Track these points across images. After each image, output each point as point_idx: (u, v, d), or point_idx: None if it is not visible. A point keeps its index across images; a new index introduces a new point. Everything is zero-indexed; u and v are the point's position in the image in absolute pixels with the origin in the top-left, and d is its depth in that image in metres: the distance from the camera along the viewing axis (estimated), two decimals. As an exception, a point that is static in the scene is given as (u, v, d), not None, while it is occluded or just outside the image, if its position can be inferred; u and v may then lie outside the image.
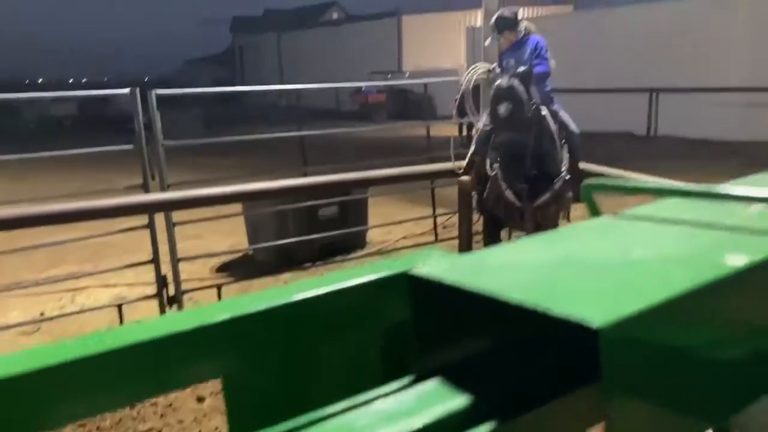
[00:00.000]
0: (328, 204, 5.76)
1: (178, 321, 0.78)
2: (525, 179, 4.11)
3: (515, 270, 0.83)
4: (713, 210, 1.06)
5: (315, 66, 36.32)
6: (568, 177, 4.28)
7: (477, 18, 6.63)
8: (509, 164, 3.82)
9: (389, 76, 26.63)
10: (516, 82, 3.86)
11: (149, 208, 4.10)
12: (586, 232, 1.06)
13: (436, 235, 6.28)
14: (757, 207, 1.11)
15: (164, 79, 59.31)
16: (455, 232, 5.97)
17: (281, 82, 37.70)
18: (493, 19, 4.82)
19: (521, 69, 4.16)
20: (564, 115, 4.65)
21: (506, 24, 4.71)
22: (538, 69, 4.46)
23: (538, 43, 4.67)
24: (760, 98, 13.68)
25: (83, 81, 74.77)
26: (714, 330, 0.82)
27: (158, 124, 4.34)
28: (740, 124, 13.85)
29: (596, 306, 0.67)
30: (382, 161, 5.53)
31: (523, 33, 4.80)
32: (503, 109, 3.80)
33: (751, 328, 0.88)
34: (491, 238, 4.96)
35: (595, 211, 1.23)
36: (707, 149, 12.94)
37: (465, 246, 5.82)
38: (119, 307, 4.46)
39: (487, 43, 4.87)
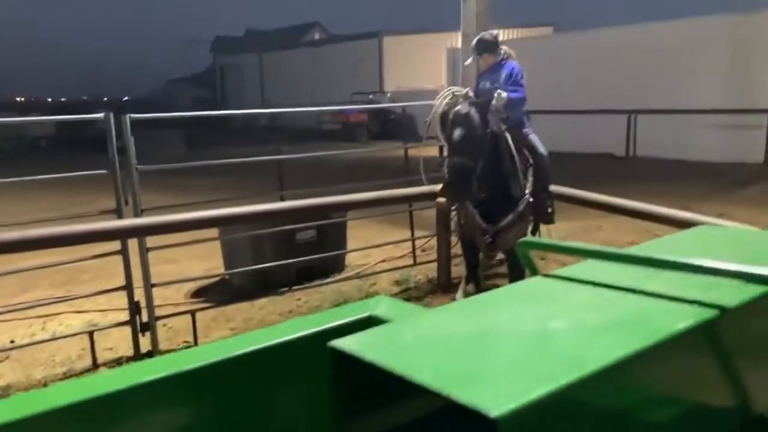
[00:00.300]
0: (305, 228, 5.72)
1: (110, 380, 0.75)
2: (476, 204, 4.24)
3: (433, 345, 0.83)
4: (639, 272, 1.09)
5: (296, 85, 36.42)
6: (531, 199, 4.39)
7: (457, 40, 6.69)
8: (457, 186, 3.97)
9: (371, 96, 26.76)
10: (473, 111, 3.99)
11: (121, 234, 4.02)
12: (513, 297, 1.09)
13: (415, 258, 6.25)
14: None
15: (145, 99, 59.09)
16: (435, 255, 5.96)
17: (262, 102, 37.74)
18: (475, 40, 4.89)
19: (479, 99, 4.31)
20: (533, 138, 4.74)
21: (486, 46, 4.79)
22: (513, 95, 4.54)
23: (513, 68, 4.74)
24: (736, 120, 13.93)
25: (62, 100, 74.17)
26: (625, 407, 0.82)
27: (132, 149, 4.28)
28: (716, 145, 14.08)
29: (499, 391, 0.67)
30: (360, 185, 5.50)
31: (501, 56, 4.87)
32: (457, 133, 3.94)
33: (665, 402, 0.89)
34: (468, 261, 4.96)
35: (532, 269, 1.26)
36: (684, 170, 13.11)
37: (443, 269, 5.80)
38: (90, 334, 4.36)
39: (467, 62, 4.92)
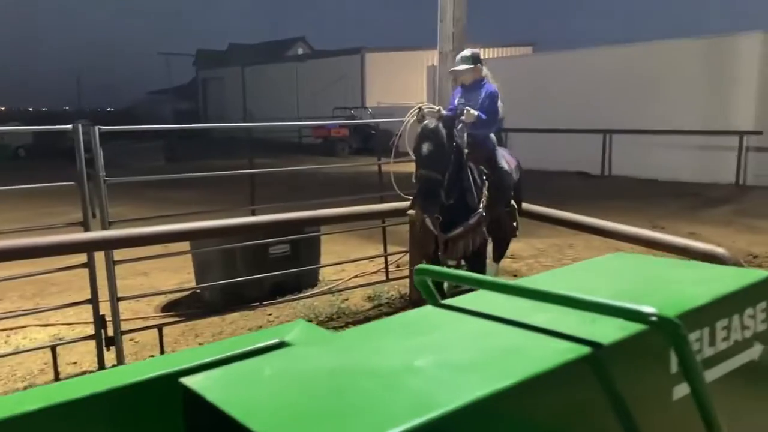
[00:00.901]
0: (279, 242, 5.70)
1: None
2: (441, 212, 4.32)
3: (284, 384, 0.82)
4: (530, 303, 1.12)
5: (279, 99, 36.43)
6: (484, 214, 4.46)
7: (437, 57, 6.79)
8: (425, 198, 4.06)
9: (352, 111, 26.83)
10: (440, 126, 4.10)
11: (86, 248, 3.98)
12: (398, 328, 1.10)
13: (387, 273, 6.25)
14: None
15: (127, 110, 58.67)
16: (408, 271, 5.96)
17: (245, 115, 37.67)
18: (469, 51, 4.93)
19: (447, 114, 4.41)
20: (498, 154, 4.79)
21: (476, 59, 4.85)
22: (483, 117, 4.64)
23: (492, 93, 4.79)
24: (709, 141, 14.19)
25: (44, 109, 73.39)
26: None
27: (100, 161, 4.25)
28: (689, 165, 14.32)
29: None
30: (334, 200, 5.51)
31: (482, 77, 4.93)
32: (425, 147, 4.05)
33: None
34: None
35: (429, 295, 1.27)
36: (657, 190, 13.30)
37: (416, 285, 5.82)
38: (53, 348, 4.29)
39: (463, 68, 4.89)
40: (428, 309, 1.21)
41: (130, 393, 0.85)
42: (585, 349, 0.98)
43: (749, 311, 1.36)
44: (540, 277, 1.51)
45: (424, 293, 1.30)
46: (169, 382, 0.87)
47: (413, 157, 4.24)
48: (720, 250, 3.83)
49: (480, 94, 4.83)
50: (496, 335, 1.02)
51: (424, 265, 1.30)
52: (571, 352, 0.97)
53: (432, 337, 1.04)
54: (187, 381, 0.81)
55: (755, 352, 1.37)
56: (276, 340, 1.17)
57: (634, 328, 1.05)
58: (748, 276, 1.42)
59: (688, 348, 1.02)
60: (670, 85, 14.99)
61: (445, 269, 1.28)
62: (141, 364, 0.88)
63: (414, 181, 4.17)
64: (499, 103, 4.89)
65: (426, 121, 4.17)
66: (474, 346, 0.98)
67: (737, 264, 3.75)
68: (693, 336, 1.20)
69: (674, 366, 1.13)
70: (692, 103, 14.57)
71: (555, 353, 0.95)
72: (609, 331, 1.05)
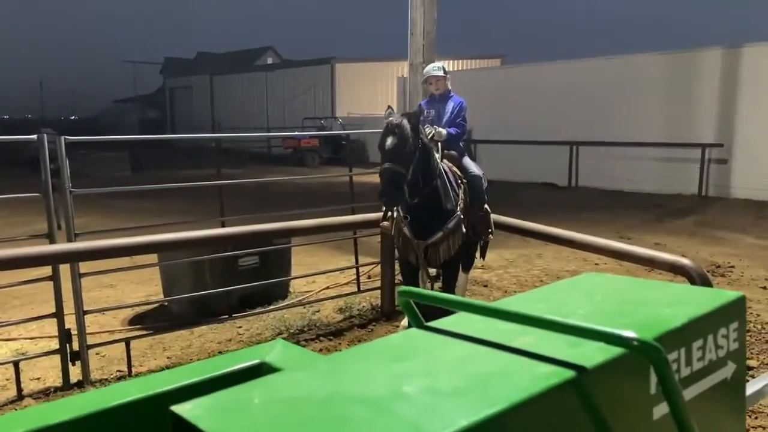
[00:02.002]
0: (248, 254, 5.65)
1: None
2: (407, 209, 4.35)
3: (274, 412, 0.82)
4: (514, 325, 1.14)
5: (248, 109, 36.19)
6: (462, 217, 4.50)
7: (407, 68, 6.87)
8: (388, 191, 4.03)
9: (322, 122, 26.79)
10: (404, 121, 4.12)
11: (51, 260, 3.88)
12: (383, 352, 1.11)
13: (359, 285, 6.23)
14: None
15: (92, 118, 57.66)
16: (380, 282, 5.96)
17: (213, 125, 37.31)
18: (441, 63, 5.10)
19: (413, 111, 4.45)
20: (466, 161, 4.92)
21: (445, 71, 5.01)
22: (454, 133, 4.81)
23: (461, 104, 4.92)
24: (672, 153, 14.52)
25: (5, 117, 71.79)
26: None
27: (66, 171, 4.16)
28: (654, 177, 14.64)
29: None
30: (304, 211, 5.47)
31: (449, 88, 5.05)
32: (389, 141, 4.06)
33: None
34: (407, 282, 5.01)
35: (413, 316, 1.28)
36: (623, 201, 13.55)
37: (387, 296, 5.81)
38: (16, 364, 4.17)
39: (440, 74, 4.98)
40: (413, 332, 1.22)
41: (113, 416, 0.83)
42: (569, 373, 1.00)
43: (722, 331, 1.41)
44: (519, 298, 1.53)
45: (408, 315, 1.31)
46: (152, 406, 0.85)
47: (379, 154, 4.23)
48: (685, 261, 3.91)
49: (448, 105, 4.93)
50: (481, 359, 1.04)
51: (407, 287, 1.32)
52: (556, 376, 0.98)
53: (418, 361, 1.04)
54: (178, 409, 0.80)
55: (728, 370, 1.41)
56: (256, 361, 1.16)
57: (615, 351, 1.07)
58: (720, 297, 1.46)
59: (669, 371, 1.04)
60: (635, 98, 15.32)
61: (429, 291, 1.29)
62: (120, 386, 0.86)
63: (378, 176, 4.15)
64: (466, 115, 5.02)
65: (391, 118, 4.18)
66: (460, 370, 0.99)
67: (702, 274, 3.83)
68: (671, 357, 1.23)
69: (653, 387, 1.16)
70: (656, 116, 14.91)
71: (540, 378, 0.96)
72: (591, 353, 1.07)
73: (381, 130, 4.24)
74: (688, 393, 1.26)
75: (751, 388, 2.28)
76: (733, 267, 7.31)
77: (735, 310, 1.46)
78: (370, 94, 29.15)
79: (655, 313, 1.35)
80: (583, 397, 0.99)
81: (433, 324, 1.25)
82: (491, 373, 0.98)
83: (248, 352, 1.03)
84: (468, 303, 1.23)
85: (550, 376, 0.99)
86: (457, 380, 0.95)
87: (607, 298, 1.50)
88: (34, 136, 4.10)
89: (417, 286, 4.80)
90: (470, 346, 1.10)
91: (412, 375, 0.97)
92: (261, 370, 1.14)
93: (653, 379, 1.17)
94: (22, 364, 4.26)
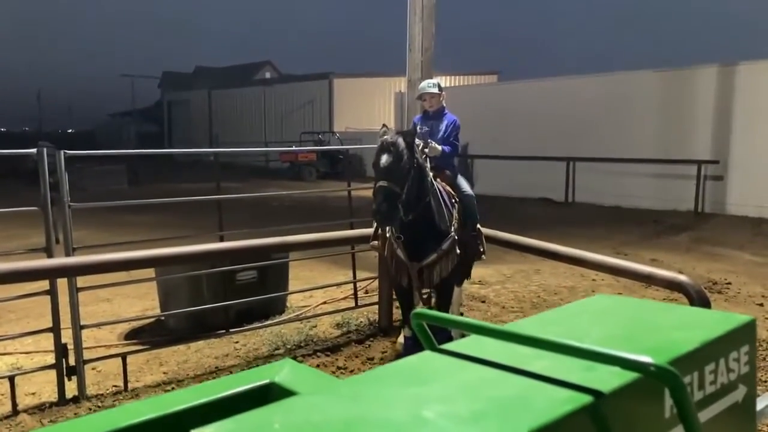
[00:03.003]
0: (246, 268, 5.64)
1: None
2: (401, 228, 4.29)
3: None
4: (527, 348, 1.15)
5: (246, 123, 36.31)
6: (456, 237, 4.47)
7: (404, 84, 6.91)
8: (383, 210, 3.99)
9: (319, 136, 26.88)
10: (400, 139, 4.11)
11: (49, 274, 3.87)
12: (399, 376, 1.12)
13: (356, 300, 6.22)
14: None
15: (90, 132, 57.70)
16: (377, 297, 5.95)
17: (211, 138, 37.39)
18: (437, 80, 5.10)
19: (407, 129, 4.48)
20: (459, 180, 4.91)
21: (441, 88, 5.01)
22: (447, 151, 4.78)
23: (454, 123, 4.92)
24: (668, 170, 14.59)
25: (2, 130, 71.85)
26: None
27: (65, 186, 4.17)
28: (650, 193, 14.69)
29: None
30: (301, 226, 5.47)
31: (443, 105, 5.05)
32: (384, 159, 4.05)
33: None
34: (401, 303, 5.00)
35: (427, 339, 1.28)
36: (619, 217, 13.59)
37: (384, 311, 5.80)
38: (11, 378, 4.14)
39: (435, 90, 4.98)
40: (427, 355, 1.22)
41: None
42: (586, 398, 1.00)
43: (734, 355, 1.42)
44: (531, 320, 1.53)
45: (421, 338, 1.31)
46: (165, 427, 0.85)
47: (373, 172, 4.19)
48: (683, 278, 3.93)
49: (443, 122, 4.94)
50: (497, 383, 1.04)
51: (421, 310, 1.32)
52: (573, 401, 0.98)
53: (436, 385, 1.05)
54: None
55: (739, 394, 1.42)
56: (266, 381, 1.16)
57: (630, 375, 1.08)
58: (731, 320, 1.48)
59: (686, 395, 1.05)
60: (631, 114, 15.41)
61: (442, 314, 1.29)
62: (131, 406, 0.86)
63: (372, 195, 4.12)
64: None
65: (386, 136, 4.17)
66: (477, 395, 0.99)
67: (699, 291, 3.84)
68: (685, 380, 1.24)
69: (668, 410, 1.16)
70: (652, 133, 14.99)
71: (558, 403, 0.96)
72: (607, 378, 1.07)
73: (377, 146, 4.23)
74: (701, 416, 1.27)
75: None
76: (729, 284, 7.32)
77: (746, 334, 1.48)
78: (368, 109, 29.29)
79: (667, 337, 1.36)
80: (599, 422, 0.99)
81: (446, 346, 1.25)
82: (509, 398, 0.99)
83: (257, 372, 1.03)
84: (484, 326, 1.23)
85: (567, 401, 0.99)
86: (476, 405, 0.96)
87: (619, 322, 1.50)
88: (34, 150, 4.11)
89: (411, 303, 4.78)
90: (486, 370, 1.10)
91: (430, 399, 0.98)
92: (270, 390, 1.14)
93: (668, 402, 1.17)
94: (17, 379, 4.23)
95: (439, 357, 1.21)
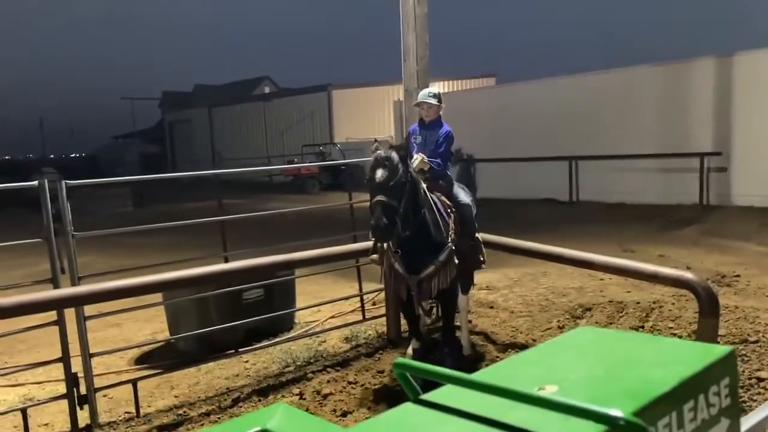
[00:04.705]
0: (253, 287, 5.65)
1: None
2: (400, 245, 4.26)
3: None
4: (503, 400, 1.18)
5: (247, 138, 36.47)
6: (454, 248, 4.44)
7: (402, 92, 6.94)
8: (380, 225, 3.96)
9: (321, 148, 26.96)
10: (393, 154, 4.10)
11: (55, 305, 3.89)
12: (381, 430, 1.14)
13: (364, 313, 6.21)
14: (547, 391, 1.28)
15: (93, 156, 58.03)
16: (385, 308, 5.95)
17: (213, 156, 37.55)
18: (435, 90, 5.07)
19: (400, 143, 4.45)
20: (456, 189, 4.89)
21: (440, 99, 4.97)
22: (437, 163, 4.74)
23: (448, 134, 4.89)
24: (670, 164, 14.55)
25: (6, 157, 72.42)
26: None
27: (68, 216, 4.19)
28: (654, 188, 14.64)
29: None
30: (305, 242, 5.46)
31: (440, 115, 5.04)
32: (379, 174, 4.03)
33: None
34: (405, 316, 5.00)
35: (410, 388, 1.31)
36: (625, 213, 13.54)
37: (393, 323, 5.79)
38: (23, 411, 4.15)
39: (433, 102, 4.97)
40: (409, 408, 1.26)
41: None
42: None
43: (714, 389, 1.42)
44: (512, 361, 1.56)
45: (404, 387, 1.34)
46: None
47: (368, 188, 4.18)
48: (689, 276, 3.91)
49: (438, 133, 4.92)
50: None
51: (402, 360, 1.37)
52: None
53: None
54: None
55: (722, 427, 1.42)
56: (257, 429, 1.17)
57: (604, 429, 1.11)
58: (711, 353, 1.48)
59: None
60: (631, 110, 15.38)
61: (423, 365, 1.32)
62: None
63: (369, 211, 4.11)
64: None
65: (379, 151, 4.16)
66: None
67: (706, 288, 3.82)
68: (662, 422, 1.25)
69: None
70: (653, 128, 14.95)
71: None
72: (584, 428, 1.11)
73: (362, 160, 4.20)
74: None
75: (745, 424, 2.24)
76: (738, 276, 7.27)
77: (726, 366, 1.47)
78: (368, 118, 29.39)
79: (645, 377, 1.37)
80: None
81: (427, 397, 1.28)
82: None
83: (249, 419, 1.04)
84: (459, 377, 1.27)
85: None
86: None
87: (600, 359, 1.52)
88: (35, 183, 4.13)
89: (414, 315, 4.77)
90: (465, 424, 1.14)
91: None
92: None
93: None
94: (29, 410, 4.25)
95: (420, 410, 1.26)
